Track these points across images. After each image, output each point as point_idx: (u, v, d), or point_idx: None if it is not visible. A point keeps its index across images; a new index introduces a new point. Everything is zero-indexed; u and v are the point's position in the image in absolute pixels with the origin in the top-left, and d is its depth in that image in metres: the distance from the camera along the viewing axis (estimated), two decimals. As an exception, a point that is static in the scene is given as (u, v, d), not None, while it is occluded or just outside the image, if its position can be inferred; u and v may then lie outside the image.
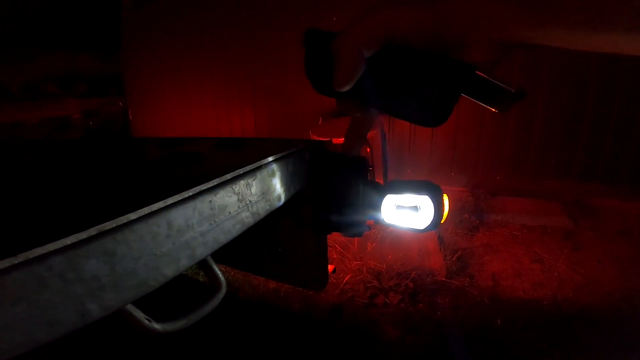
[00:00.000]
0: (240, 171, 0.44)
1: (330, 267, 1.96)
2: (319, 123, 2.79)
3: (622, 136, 2.31)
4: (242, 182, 0.44)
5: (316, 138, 1.96)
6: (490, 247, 2.11)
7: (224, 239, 0.42)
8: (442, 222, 0.63)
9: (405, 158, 2.84)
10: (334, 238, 2.17)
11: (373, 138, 1.96)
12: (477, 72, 0.32)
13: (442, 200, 0.60)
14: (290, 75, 3.21)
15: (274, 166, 0.51)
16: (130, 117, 4.58)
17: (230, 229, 0.43)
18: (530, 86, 2.39)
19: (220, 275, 0.47)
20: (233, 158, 0.52)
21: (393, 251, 2.03)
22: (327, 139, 1.85)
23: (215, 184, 0.39)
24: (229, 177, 0.42)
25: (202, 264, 0.46)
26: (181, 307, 0.43)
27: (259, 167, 0.48)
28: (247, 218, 0.46)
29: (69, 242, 0.27)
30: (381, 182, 0.63)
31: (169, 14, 3.81)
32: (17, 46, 4.29)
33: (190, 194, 0.36)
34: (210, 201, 0.39)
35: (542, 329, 1.52)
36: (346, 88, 0.33)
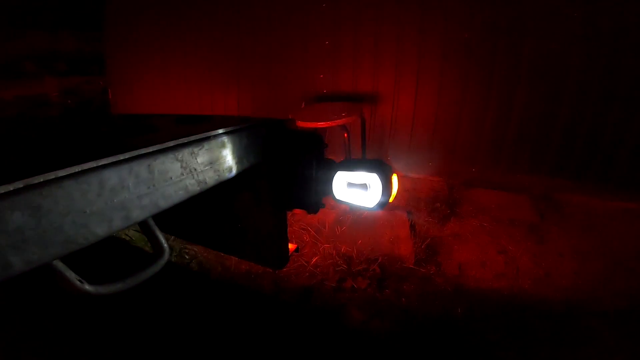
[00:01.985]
0: (184, 140, 0.45)
1: (292, 247, 1.99)
2: (302, 107, 2.79)
3: (594, 134, 2.39)
4: (186, 150, 0.45)
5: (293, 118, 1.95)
6: (459, 236, 2.17)
7: (164, 204, 0.43)
8: (390, 201, 0.65)
9: (385, 146, 2.87)
10: (307, 221, 2.20)
11: (352, 124, 1.98)
12: None
13: (391, 179, 0.62)
14: (275, 60, 3.17)
15: (225, 138, 0.52)
16: (110, 97, 4.47)
17: (171, 195, 0.44)
18: (510, 84, 2.45)
19: (164, 243, 0.48)
20: (184, 129, 0.52)
21: (364, 236, 2.07)
22: (308, 122, 1.85)
23: (154, 149, 0.40)
24: (171, 145, 0.43)
25: (145, 230, 0.47)
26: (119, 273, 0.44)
27: (207, 138, 0.49)
28: (192, 186, 0.47)
29: (-6, 193, 0.28)
30: None
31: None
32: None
33: (127, 156, 0.37)
34: (149, 165, 0.40)
35: (499, 319, 1.58)
36: None
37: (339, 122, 1.87)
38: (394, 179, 0.59)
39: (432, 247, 2.06)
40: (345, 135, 1.96)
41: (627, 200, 2.41)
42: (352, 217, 2.22)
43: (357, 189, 0.59)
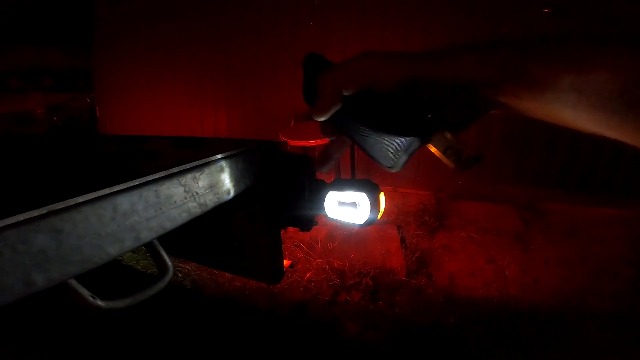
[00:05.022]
0: (187, 165, 0.49)
1: (287, 262, 2.02)
2: (291, 125, 2.84)
3: (572, 145, 2.50)
4: (189, 175, 0.49)
5: (285, 140, 2.01)
6: (448, 248, 2.22)
7: (169, 225, 0.47)
8: (378, 217, 0.70)
9: (373, 162, 2.93)
10: (300, 238, 2.22)
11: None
12: (442, 131, 0.35)
13: (378, 197, 0.67)
14: (264, 77, 3.24)
15: (223, 163, 0.56)
16: (98, 114, 4.46)
17: (176, 217, 0.48)
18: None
19: (168, 260, 0.51)
20: (185, 155, 0.56)
21: (356, 250, 2.11)
22: (298, 141, 1.90)
23: (161, 175, 0.44)
24: (176, 171, 0.47)
25: (150, 249, 0.50)
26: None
27: (207, 163, 0.53)
28: (194, 208, 0.51)
29: (22, 218, 0.32)
30: None
31: (144, 12, 3.76)
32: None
33: (137, 183, 0.41)
34: (156, 190, 0.44)
35: (490, 326, 1.62)
36: (321, 119, 0.37)
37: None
38: (382, 197, 0.64)
39: (423, 259, 2.10)
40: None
41: (606, 206, 2.51)
42: (344, 232, 2.25)
43: (347, 207, 0.64)
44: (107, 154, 0.63)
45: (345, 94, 0.34)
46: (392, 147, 0.36)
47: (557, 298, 1.82)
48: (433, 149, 0.38)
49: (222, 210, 0.65)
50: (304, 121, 2.90)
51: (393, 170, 0.38)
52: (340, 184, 0.69)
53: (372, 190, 0.67)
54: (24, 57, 4.35)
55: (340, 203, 0.69)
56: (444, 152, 0.37)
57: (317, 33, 2.95)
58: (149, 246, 0.51)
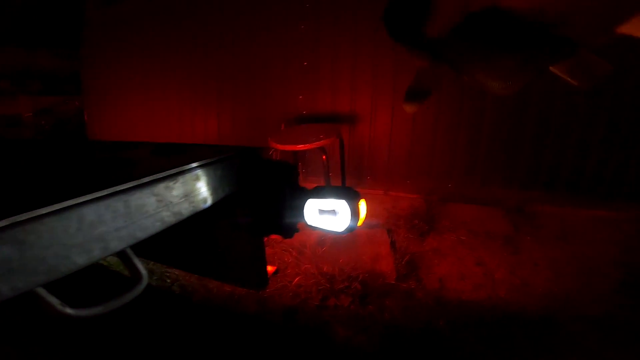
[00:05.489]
0: (160, 175, 0.48)
1: (272, 269, 2.01)
2: (281, 129, 2.84)
3: (560, 147, 2.53)
4: (161, 185, 0.49)
5: (274, 144, 2.01)
6: (438, 251, 2.23)
7: (142, 234, 0.47)
8: (358, 225, 0.70)
9: (364, 166, 2.95)
10: (289, 243, 2.22)
11: (330, 145, 2.04)
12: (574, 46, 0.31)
13: (358, 205, 0.67)
14: (255, 82, 3.24)
15: (199, 171, 0.56)
16: (86, 118, 4.42)
17: (148, 226, 0.47)
18: (479, 101, 2.58)
19: (141, 269, 0.51)
20: (160, 163, 0.56)
21: (346, 255, 2.11)
22: (288, 146, 1.91)
23: (130, 185, 0.44)
24: (147, 180, 0.46)
25: (123, 258, 0.50)
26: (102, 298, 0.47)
27: (182, 172, 0.53)
28: (168, 217, 0.50)
29: (-17, 231, 0.31)
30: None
31: (135, 14, 3.75)
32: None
33: (104, 193, 0.41)
34: (126, 201, 0.43)
35: (479, 330, 1.62)
36: (437, 36, 0.32)
37: (317, 144, 1.93)
38: (362, 205, 0.65)
39: (413, 263, 2.10)
40: (324, 157, 2.02)
41: (596, 208, 2.53)
42: (333, 237, 2.25)
43: (327, 215, 0.64)
44: (81, 163, 0.63)
45: (468, 10, 0.30)
46: (512, 68, 0.33)
47: (547, 300, 1.82)
48: (559, 70, 0.35)
49: (205, 219, 0.64)
50: (294, 124, 2.91)
51: (505, 94, 0.34)
52: (320, 192, 0.69)
53: (352, 197, 0.67)
54: (13, 59, 4.31)
55: (321, 211, 0.69)
56: (573, 69, 0.34)
57: (308, 36, 2.96)
58: (122, 255, 0.51)
